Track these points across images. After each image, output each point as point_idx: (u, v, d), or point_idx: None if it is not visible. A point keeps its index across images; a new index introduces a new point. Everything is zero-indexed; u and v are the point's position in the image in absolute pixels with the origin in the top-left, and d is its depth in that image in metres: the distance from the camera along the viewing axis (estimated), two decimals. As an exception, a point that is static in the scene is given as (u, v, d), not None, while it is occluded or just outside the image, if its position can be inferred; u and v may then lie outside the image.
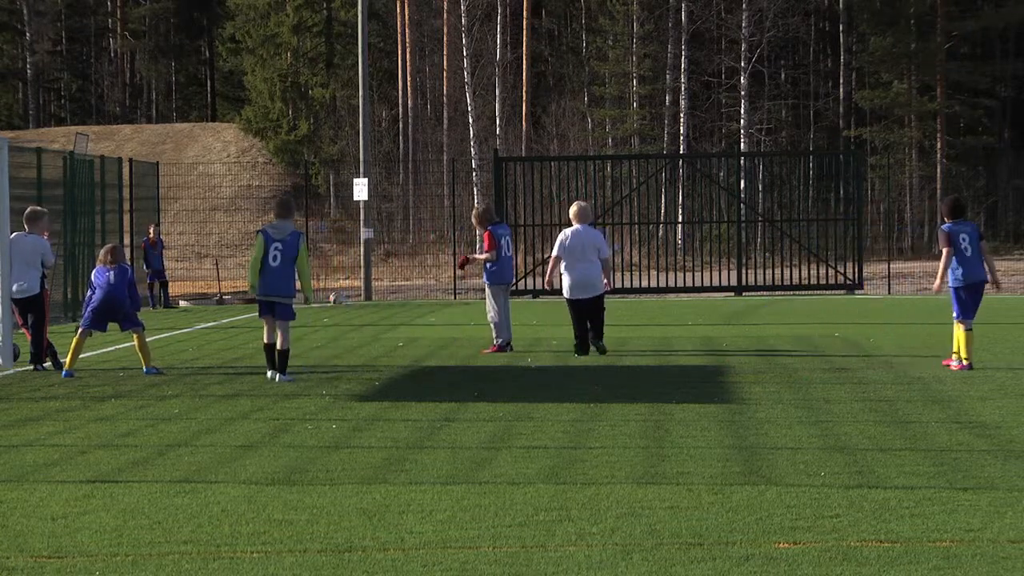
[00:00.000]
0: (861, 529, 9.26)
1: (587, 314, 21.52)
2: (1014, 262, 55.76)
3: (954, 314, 19.07)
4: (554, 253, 21.64)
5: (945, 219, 19.39)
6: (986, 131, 72.29)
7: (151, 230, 38.72)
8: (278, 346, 18.61)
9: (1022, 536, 9.09)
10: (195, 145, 74.23)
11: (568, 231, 21.55)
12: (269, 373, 18.70)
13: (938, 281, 19.26)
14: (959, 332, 18.89)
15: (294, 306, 18.88)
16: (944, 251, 19.01)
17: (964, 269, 18.97)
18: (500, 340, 22.44)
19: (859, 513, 9.72)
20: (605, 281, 21.66)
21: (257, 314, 19.23)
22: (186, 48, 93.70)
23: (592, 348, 21.61)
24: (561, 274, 21.60)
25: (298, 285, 18.86)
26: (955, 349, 19.03)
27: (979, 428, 13.66)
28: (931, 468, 11.42)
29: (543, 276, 41.49)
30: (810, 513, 9.73)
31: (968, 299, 18.98)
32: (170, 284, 40.78)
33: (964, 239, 19.02)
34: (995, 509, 9.83)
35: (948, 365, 18.97)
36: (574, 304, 21.46)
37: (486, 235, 22.58)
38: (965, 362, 18.83)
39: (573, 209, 21.87)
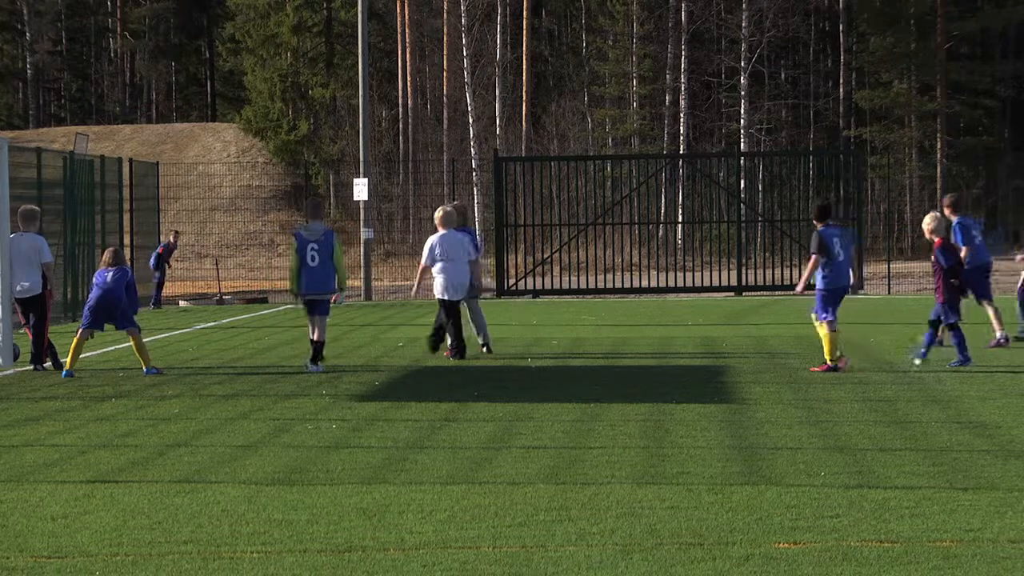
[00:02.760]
0: (861, 529, 9.26)
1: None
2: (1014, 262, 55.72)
3: (818, 315, 18.74)
4: (423, 263, 21.56)
5: (816, 223, 19.14)
6: (986, 131, 72.27)
7: (172, 236, 39.00)
8: (315, 338, 19.71)
9: (1022, 536, 9.09)
10: (195, 145, 74.18)
11: (435, 237, 21.52)
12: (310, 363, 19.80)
13: (801, 285, 19.58)
14: (824, 332, 18.65)
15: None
16: (813, 257, 18.81)
17: (834, 273, 18.86)
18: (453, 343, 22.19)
19: (859, 513, 9.72)
20: (476, 283, 21.71)
21: (304, 311, 20.21)
22: (186, 48, 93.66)
23: (429, 347, 21.85)
24: (434, 277, 21.51)
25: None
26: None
27: (979, 428, 13.66)
28: (931, 468, 11.42)
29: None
30: (810, 513, 9.74)
31: (833, 302, 18.80)
32: (170, 284, 40.81)
33: (836, 243, 18.93)
34: (995, 509, 9.84)
35: (820, 369, 18.68)
36: (448, 305, 21.40)
37: None
38: (829, 363, 18.69)
39: (437, 215, 21.74)
